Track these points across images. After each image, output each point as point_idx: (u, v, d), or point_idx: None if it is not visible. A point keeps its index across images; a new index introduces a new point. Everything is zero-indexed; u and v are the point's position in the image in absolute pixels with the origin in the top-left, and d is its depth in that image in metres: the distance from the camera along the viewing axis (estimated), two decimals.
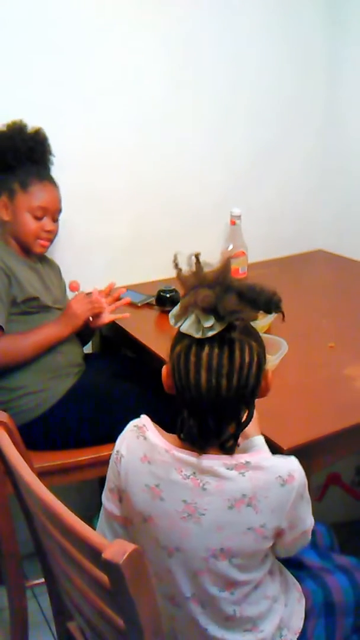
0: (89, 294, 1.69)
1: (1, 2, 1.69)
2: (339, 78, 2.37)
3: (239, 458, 0.98)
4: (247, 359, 0.94)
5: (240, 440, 1.12)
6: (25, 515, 1.14)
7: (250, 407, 1.01)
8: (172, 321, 0.99)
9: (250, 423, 1.16)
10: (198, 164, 2.19)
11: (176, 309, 0.99)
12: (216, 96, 2.15)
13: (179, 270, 1.02)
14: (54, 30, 1.78)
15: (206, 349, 0.94)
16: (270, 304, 0.99)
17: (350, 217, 2.45)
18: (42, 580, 1.27)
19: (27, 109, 1.73)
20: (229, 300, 0.93)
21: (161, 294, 1.92)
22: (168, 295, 1.91)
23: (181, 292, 1.03)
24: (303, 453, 1.24)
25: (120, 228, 2.09)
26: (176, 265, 1.03)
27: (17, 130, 1.68)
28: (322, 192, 2.53)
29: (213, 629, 1.04)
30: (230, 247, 2.17)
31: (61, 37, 1.80)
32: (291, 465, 1.00)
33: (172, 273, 2.29)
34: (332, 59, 2.36)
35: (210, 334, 0.93)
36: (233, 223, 2.17)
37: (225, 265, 0.99)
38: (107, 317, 1.72)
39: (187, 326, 0.95)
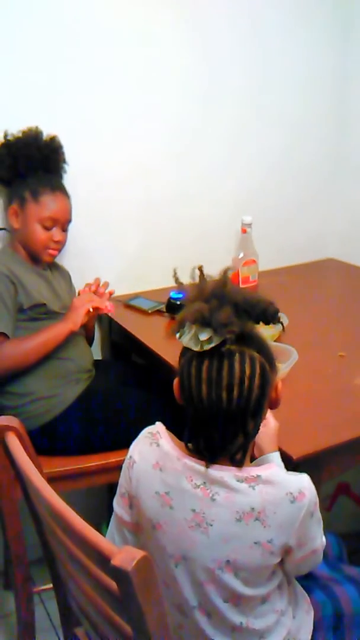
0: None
1: (24, 9, 1.69)
2: (351, 89, 2.38)
3: (250, 471, 0.97)
4: (247, 371, 0.93)
5: (256, 452, 1.12)
6: (34, 520, 1.15)
7: (258, 418, 1.00)
8: (176, 335, 0.99)
9: (268, 438, 1.16)
10: (210, 173, 2.19)
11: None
12: (230, 107, 2.16)
13: (180, 284, 1.03)
14: (75, 39, 1.78)
15: (205, 362, 0.94)
16: (266, 315, 0.98)
17: None
18: (50, 585, 1.28)
19: (44, 116, 1.74)
20: (223, 313, 0.93)
21: (171, 300, 1.92)
22: (178, 302, 1.91)
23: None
24: (312, 462, 1.24)
25: (132, 235, 2.09)
26: (176, 280, 1.04)
27: (32, 137, 1.68)
28: (334, 200, 2.53)
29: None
30: (241, 255, 2.17)
31: (83, 47, 1.80)
32: (302, 482, 0.99)
33: (183, 280, 2.31)
34: (344, 71, 2.36)
35: (207, 347, 0.93)
36: (244, 231, 2.17)
37: (223, 278, 0.99)
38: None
39: (187, 340, 0.95)
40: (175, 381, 1.02)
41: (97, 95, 1.88)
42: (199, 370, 0.94)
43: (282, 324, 1.02)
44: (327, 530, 1.16)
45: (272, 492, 0.96)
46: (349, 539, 2.09)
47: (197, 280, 1.01)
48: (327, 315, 1.99)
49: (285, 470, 1.06)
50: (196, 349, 0.94)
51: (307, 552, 1.03)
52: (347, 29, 2.30)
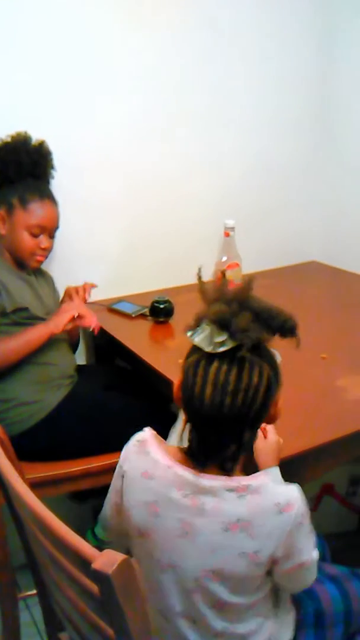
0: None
1: (6, 10, 1.69)
2: (333, 93, 2.40)
3: (241, 480, 0.97)
4: (255, 380, 0.94)
5: (259, 466, 1.12)
6: (17, 526, 1.14)
7: (254, 430, 1.00)
8: (187, 332, 0.99)
9: (268, 453, 1.16)
10: (192, 176, 2.20)
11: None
12: (210, 109, 2.17)
13: (202, 282, 1.02)
14: (54, 39, 1.78)
15: (215, 364, 0.94)
16: (284, 328, 0.98)
17: (345, 229, 2.47)
18: (35, 591, 1.27)
19: (28, 119, 1.74)
20: (243, 318, 0.93)
21: (155, 304, 1.93)
22: (162, 306, 1.92)
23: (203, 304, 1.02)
24: (295, 463, 1.25)
25: (115, 240, 2.10)
26: (199, 278, 1.03)
27: (21, 142, 1.67)
28: (317, 203, 2.55)
29: None
30: (225, 258, 2.18)
31: (62, 46, 1.80)
32: (291, 493, 0.98)
33: (166, 284, 2.32)
34: (326, 74, 2.38)
35: (220, 349, 0.93)
36: (227, 234, 2.19)
37: (248, 284, 0.99)
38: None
39: (200, 339, 0.95)
40: (177, 380, 1.02)
41: (81, 100, 1.89)
42: (206, 371, 0.94)
43: (298, 339, 1.01)
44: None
45: (260, 503, 0.96)
46: (334, 539, 2.11)
47: (217, 281, 1.01)
48: (310, 318, 2.00)
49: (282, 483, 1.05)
50: (208, 349, 0.94)
51: (295, 564, 1.01)
52: (326, 27, 2.32)
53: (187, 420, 0.99)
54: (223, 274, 1.04)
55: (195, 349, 0.97)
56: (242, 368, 0.93)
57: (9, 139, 1.68)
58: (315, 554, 1.06)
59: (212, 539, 0.96)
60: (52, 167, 1.76)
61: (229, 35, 2.12)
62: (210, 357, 0.94)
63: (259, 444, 1.18)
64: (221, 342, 0.93)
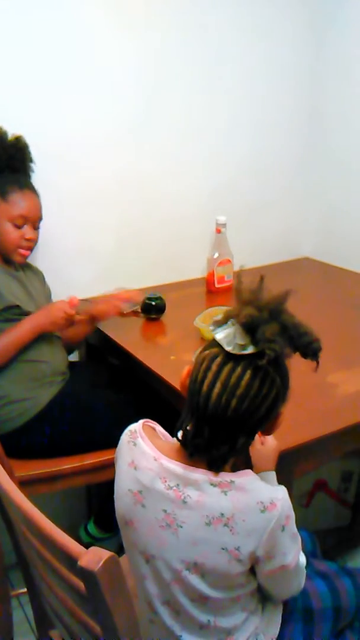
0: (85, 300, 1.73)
1: None
2: (323, 91, 2.40)
3: (225, 476, 0.97)
4: (264, 391, 0.94)
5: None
6: (7, 524, 1.15)
7: (249, 438, 1.00)
8: (211, 326, 0.99)
9: (265, 456, 1.16)
10: (184, 173, 2.20)
11: (220, 315, 0.99)
12: (202, 106, 2.17)
13: (240, 282, 1.02)
14: (39, 30, 1.77)
15: (230, 364, 0.94)
16: (308, 348, 0.98)
17: (337, 225, 2.48)
18: None
19: (13, 115, 1.73)
20: (271, 328, 0.93)
21: (147, 301, 1.92)
22: (154, 303, 1.92)
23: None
24: (286, 459, 1.25)
25: (107, 236, 2.09)
26: (239, 276, 1.03)
27: None
28: (308, 200, 2.56)
29: (187, 637, 1.05)
30: (216, 255, 2.19)
31: (46, 38, 1.79)
32: (275, 493, 0.98)
33: (158, 281, 2.32)
34: (316, 73, 2.38)
35: (238, 352, 0.93)
36: (218, 231, 2.19)
37: (284, 296, 0.99)
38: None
39: (222, 336, 0.95)
40: (187, 369, 1.02)
41: (64, 96, 1.87)
42: (220, 369, 0.94)
43: (317, 362, 1.00)
44: (304, 526, 1.17)
45: (243, 500, 0.96)
46: (326, 535, 2.11)
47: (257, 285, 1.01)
48: (301, 314, 1.98)
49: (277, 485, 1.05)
50: (227, 348, 0.94)
51: (276, 566, 1.00)
52: (317, 23, 2.32)
53: (188, 410, 0.99)
54: (262, 278, 1.04)
55: (214, 344, 0.97)
56: (256, 376, 0.94)
57: None
58: (301, 560, 1.06)
59: (195, 532, 0.97)
60: (30, 160, 1.76)
61: (218, 32, 2.11)
62: (228, 356, 0.94)
63: (257, 447, 1.19)
64: (243, 345, 0.93)
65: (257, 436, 1.05)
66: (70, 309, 1.62)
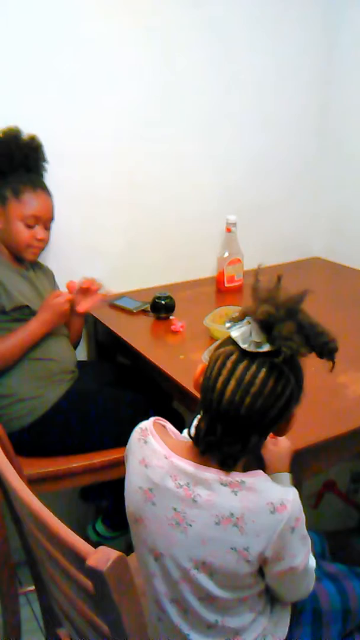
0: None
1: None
2: (334, 90, 2.39)
3: (236, 476, 0.97)
4: (279, 390, 0.94)
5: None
6: (15, 522, 1.15)
7: (262, 437, 1.00)
8: (227, 323, 0.99)
9: (279, 457, 1.16)
10: (194, 172, 2.19)
11: (235, 312, 0.99)
12: (212, 105, 2.16)
13: (257, 281, 1.02)
14: (49, 34, 1.77)
15: (245, 362, 0.94)
16: (324, 348, 0.97)
17: (348, 225, 2.46)
18: None
19: (25, 115, 1.73)
20: (287, 326, 0.93)
21: (156, 300, 1.92)
22: (163, 302, 1.92)
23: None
24: (296, 459, 1.25)
25: (117, 236, 2.09)
26: (256, 278, 1.03)
27: (12, 137, 1.68)
28: (320, 199, 2.54)
29: (195, 636, 1.05)
30: (226, 254, 2.18)
31: (57, 42, 1.79)
32: (286, 494, 0.97)
33: (168, 280, 2.31)
34: (328, 71, 2.37)
35: (253, 349, 0.93)
36: (229, 230, 2.18)
37: (301, 295, 0.98)
38: (81, 307, 1.76)
39: (238, 333, 0.95)
40: (201, 367, 1.02)
41: (78, 97, 1.88)
42: (235, 366, 0.94)
43: (333, 363, 1.00)
44: (312, 528, 1.16)
45: (253, 500, 0.95)
46: (336, 536, 2.10)
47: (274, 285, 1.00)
48: (312, 314, 2.00)
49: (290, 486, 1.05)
50: (243, 345, 0.94)
51: (285, 567, 0.99)
52: (329, 21, 2.31)
53: (201, 408, 0.99)
54: (279, 277, 1.03)
55: (230, 342, 0.97)
56: (271, 374, 0.93)
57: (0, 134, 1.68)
58: (311, 563, 1.05)
59: (204, 531, 0.97)
60: (44, 159, 1.76)
61: (228, 30, 2.10)
62: (243, 354, 0.94)
63: (271, 448, 1.18)
64: (259, 343, 0.93)
65: (269, 437, 1.05)
66: (66, 293, 1.63)
